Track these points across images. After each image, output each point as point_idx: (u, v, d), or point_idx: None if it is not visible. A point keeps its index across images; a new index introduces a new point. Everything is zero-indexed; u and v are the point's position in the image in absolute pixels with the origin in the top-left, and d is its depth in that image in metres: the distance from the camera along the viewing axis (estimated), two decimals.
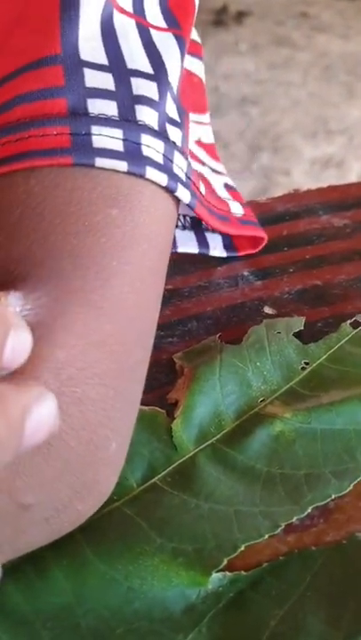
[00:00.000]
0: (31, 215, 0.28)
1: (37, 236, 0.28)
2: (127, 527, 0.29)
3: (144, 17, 0.32)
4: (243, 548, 0.28)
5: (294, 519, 0.29)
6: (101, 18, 0.31)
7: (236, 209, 0.41)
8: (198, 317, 0.40)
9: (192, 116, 0.37)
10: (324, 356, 0.36)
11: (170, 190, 0.31)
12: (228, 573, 0.28)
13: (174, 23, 0.33)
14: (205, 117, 0.43)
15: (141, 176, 0.30)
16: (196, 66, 0.41)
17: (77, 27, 0.30)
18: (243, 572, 0.28)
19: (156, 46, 0.32)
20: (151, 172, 0.30)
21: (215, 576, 0.28)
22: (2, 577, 0.26)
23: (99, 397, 0.26)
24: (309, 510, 0.29)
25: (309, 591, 0.27)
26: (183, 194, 0.32)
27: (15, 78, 0.31)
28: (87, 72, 0.30)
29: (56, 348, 0.26)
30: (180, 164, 0.32)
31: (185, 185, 0.32)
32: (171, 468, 0.32)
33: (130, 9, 0.32)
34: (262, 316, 0.40)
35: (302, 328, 0.37)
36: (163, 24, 0.33)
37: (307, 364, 0.36)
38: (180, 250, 0.40)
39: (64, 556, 0.29)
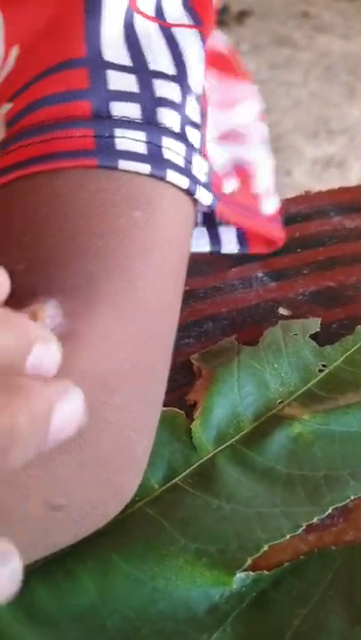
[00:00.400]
0: (56, 216, 0.29)
1: (63, 237, 0.28)
2: (150, 528, 0.30)
3: (164, 19, 0.33)
4: (266, 548, 0.28)
5: (315, 519, 0.29)
6: (125, 19, 0.31)
7: (270, 205, 0.41)
8: (214, 318, 0.40)
9: (236, 91, 0.37)
10: (341, 359, 0.36)
11: (190, 192, 0.32)
12: (250, 573, 0.28)
13: (196, 19, 0.33)
14: (252, 88, 0.42)
15: (162, 179, 0.30)
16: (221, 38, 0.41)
17: (100, 29, 0.31)
18: (265, 572, 0.28)
19: (178, 45, 0.32)
20: (172, 175, 0.31)
21: (238, 576, 0.28)
22: (21, 579, 0.27)
23: (131, 402, 0.27)
24: (330, 511, 0.30)
25: (330, 590, 0.27)
26: (203, 196, 0.32)
27: (40, 81, 0.31)
28: (111, 74, 0.31)
29: (82, 350, 0.26)
30: (199, 166, 0.32)
31: (205, 187, 0.33)
32: (191, 468, 0.32)
33: (151, 13, 0.32)
34: (277, 317, 0.40)
35: (318, 330, 0.38)
36: (185, 21, 0.33)
37: (324, 365, 0.36)
38: (224, 251, 0.40)
39: (89, 557, 0.29)
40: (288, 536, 0.29)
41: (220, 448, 0.33)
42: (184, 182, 0.31)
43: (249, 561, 0.28)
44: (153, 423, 0.29)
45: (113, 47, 0.31)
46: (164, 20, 0.33)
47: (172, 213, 0.31)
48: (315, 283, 0.42)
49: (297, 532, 0.29)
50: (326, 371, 0.36)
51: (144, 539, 0.29)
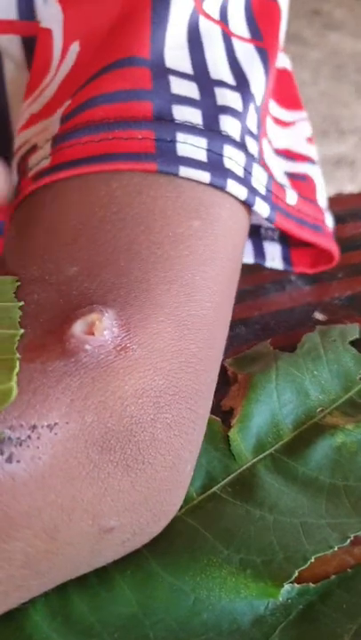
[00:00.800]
0: (113, 220, 0.28)
1: (120, 244, 0.27)
2: (191, 537, 0.29)
3: (227, 24, 0.32)
4: (313, 560, 0.28)
5: None
6: (189, 22, 0.31)
7: (330, 222, 0.40)
8: (246, 322, 0.40)
9: (290, 114, 0.36)
10: None
11: (248, 204, 0.31)
12: (296, 585, 0.28)
13: (257, 34, 0.32)
14: (303, 114, 0.42)
15: (222, 188, 0.29)
16: (282, 59, 0.40)
17: (165, 32, 0.30)
18: (311, 584, 0.28)
19: (237, 58, 0.31)
20: (232, 185, 0.30)
21: (284, 588, 0.27)
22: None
23: (184, 421, 0.26)
24: None
25: None
26: (261, 207, 0.31)
27: (101, 76, 0.30)
28: (172, 79, 0.30)
29: (155, 375, 0.25)
30: (259, 177, 0.31)
31: (264, 198, 0.32)
32: (230, 477, 0.31)
33: (216, 15, 0.31)
34: (313, 321, 0.39)
35: (358, 336, 0.37)
36: (246, 33, 0.32)
37: None
38: (268, 265, 0.39)
39: (128, 567, 0.28)
40: (336, 547, 0.28)
41: (260, 457, 0.32)
42: (243, 193, 0.30)
43: (296, 573, 0.27)
44: (201, 440, 0.28)
45: (176, 53, 0.30)
46: (227, 26, 0.32)
47: (229, 224, 0.30)
48: (350, 287, 0.42)
49: (345, 544, 0.28)
50: None
51: (185, 549, 0.29)
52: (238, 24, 0.32)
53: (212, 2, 0.32)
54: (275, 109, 0.37)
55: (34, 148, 0.31)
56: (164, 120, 0.29)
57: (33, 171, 0.31)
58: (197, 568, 0.28)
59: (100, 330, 0.24)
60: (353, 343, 0.37)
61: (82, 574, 0.28)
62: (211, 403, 0.29)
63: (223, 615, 0.27)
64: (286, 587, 0.28)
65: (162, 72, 0.30)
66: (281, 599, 0.27)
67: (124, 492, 0.24)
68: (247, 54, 0.32)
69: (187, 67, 0.30)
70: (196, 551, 0.28)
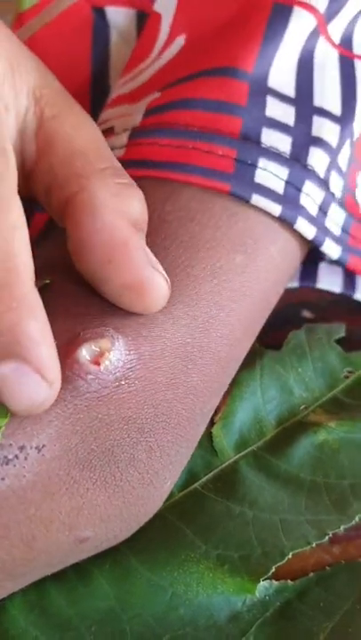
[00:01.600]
0: (158, 247, 0.26)
1: None
2: (170, 533, 0.29)
3: (351, 47, 0.30)
4: (290, 556, 0.28)
5: (341, 528, 0.29)
6: (304, 45, 0.29)
7: None
8: None
9: None
10: None
11: (316, 243, 0.30)
12: (274, 582, 0.28)
13: None
14: None
15: (291, 224, 0.28)
16: None
17: (276, 52, 0.28)
18: (289, 582, 0.28)
19: (355, 81, 0.29)
20: (301, 223, 0.28)
21: (262, 584, 0.27)
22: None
23: (168, 444, 0.26)
24: (357, 519, 0.29)
25: (359, 604, 0.27)
26: (331, 249, 0.30)
27: (197, 79, 0.28)
28: (270, 100, 0.28)
29: (145, 405, 0.24)
30: (334, 217, 0.30)
31: (336, 240, 0.30)
32: (212, 473, 0.31)
33: (337, 39, 0.30)
34: (300, 319, 0.39)
35: (344, 335, 0.37)
36: None
37: (350, 372, 0.35)
38: (320, 286, 0.37)
39: (106, 561, 0.28)
40: (314, 544, 0.28)
41: (242, 454, 0.32)
42: (311, 232, 0.29)
43: (273, 568, 0.27)
44: (186, 460, 0.28)
45: (281, 73, 0.28)
46: (351, 50, 0.30)
47: (277, 261, 0.28)
48: None
49: (323, 541, 0.28)
50: (353, 377, 0.35)
51: (164, 544, 0.29)
52: None
53: (338, 22, 0.30)
54: None
55: (110, 131, 0.30)
56: (251, 141, 0.28)
57: None
58: (175, 563, 0.28)
59: (105, 364, 0.23)
60: (339, 341, 0.37)
61: (60, 569, 0.28)
62: (205, 427, 0.29)
63: (200, 611, 0.27)
64: (264, 583, 0.27)
65: (261, 90, 0.28)
66: (258, 596, 0.27)
67: (101, 506, 0.24)
68: None
69: (290, 89, 0.28)
70: (174, 547, 0.28)
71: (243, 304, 0.27)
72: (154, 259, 0.24)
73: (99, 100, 0.35)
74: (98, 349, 0.23)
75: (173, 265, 0.26)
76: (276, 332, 0.38)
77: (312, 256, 0.34)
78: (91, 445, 0.23)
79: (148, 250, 0.24)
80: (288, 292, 0.41)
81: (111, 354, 0.23)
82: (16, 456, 0.22)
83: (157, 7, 0.32)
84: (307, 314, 0.40)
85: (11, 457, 0.22)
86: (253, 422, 0.33)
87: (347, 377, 0.35)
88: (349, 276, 0.36)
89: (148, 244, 0.25)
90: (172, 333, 0.25)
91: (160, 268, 0.24)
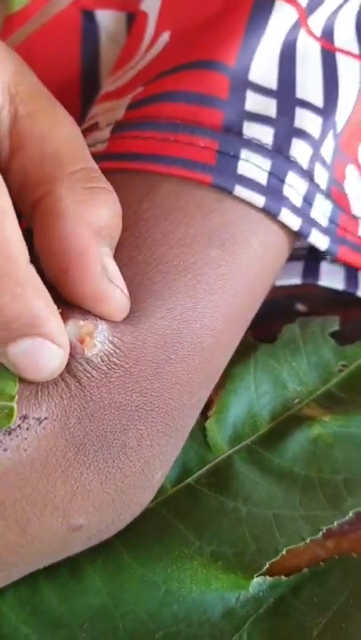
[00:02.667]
0: (130, 247, 0.26)
1: (126, 274, 0.25)
2: (163, 529, 0.29)
3: (332, 40, 0.30)
4: (284, 552, 0.27)
5: (335, 523, 0.29)
6: (286, 38, 0.29)
7: None
8: None
9: None
10: None
11: (302, 234, 0.29)
12: (268, 578, 0.27)
13: None
14: None
15: (275, 216, 0.28)
16: None
17: (257, 45, 0.28)
18: (283, 577, 0.28)
19: (336, 74, 0.29)
20: (285, 214, 0.28)
21: (255, 580, 0.27)
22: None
23: (158, 434, 0.26)
24: (351, 515, 0.29)
25: (352, 599, 0.27)
26: (319, 240, 0.30)
27: (179, 72, 0.28)
28: (250, 94, 0.28)
29: (134, 393, 0.25)
30: (321, 208, 0.30)
31: (324, 230, 0.30)
32: (205, 468, 0.31)
33: (318, 31, 0.30)
34: (294, 312, 0.39)
35: (338, 328, 0.37)
36: (355, 49, 0.30)
37: (344, 365, 0.35)
38: (323, 284, 0.37)
39: (98, 557, 0.28)
40: (308, 540, 0.28)
41: (236, 448, 0.32)
42: (296, 223, 0.29)
43: (267, 565, 0.27)
44: (178, 450, 0.28)
45: (263, 66, 0.28)
46: (332, 43, 0.30)
47: (258, 253, 0.28)
48: None
49: (317, 536, 0.28)
50: (346, 371, 0.35)
51: (157, 540, 0.28)
52: (347, 39, 0.30)
53: (319, 15, 0.30)
54: None
55: (95, 127, 0.30)
56: (232, 133, 0.27)
57: None
58: (169, 559, 0.28)
59: (89, 346, 0.24)
60: (333, 335, 0.37)
61: (52, 565, 0.28)
62: (195, 418, 0.29)
63: (193, 607, 0.27)
64: (258, 579, 0.27)
65: (242, 84, 0.28)
66: (252, 592, 0.27)
67: (94, 492, 0.24)
68: (349, 71, 0.30)
69: (271, 82, 0.29)
70: (167, 543, 0.28)
71: (221, 296, 0.27)
72: (113, 270, 0.24)
73: (90, 100, 0.35)
74: (83, 331, 0.24)
75: (145, 263, 0.26)
76: (270, 326, 0.38)
77: (314, 253, 0.34)
78: (86, 428, 0.24)
79: (108, 261, 0.24)
80: (286, 287, 0.41)
81: (95, 335, 0.24)
82: (19, 426, 0.23)
83: (144, 6, 0.32)
84: (301, 307, 0.39)
85: (14, 427, 0.23)
86: (247, 417, 0.33)
87: (341, 371, 0.35)
88: (352, 274, 0.36)
89: (121, 241, 0.25)
90: (151, 325, 0.25)
91: (119, 282, 0.24)
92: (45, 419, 0.23)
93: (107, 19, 0.34)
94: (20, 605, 0.27)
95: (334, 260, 0.34)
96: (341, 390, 0.34)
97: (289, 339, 0.36)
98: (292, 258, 0.37)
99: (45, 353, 0.22)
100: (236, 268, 0.28)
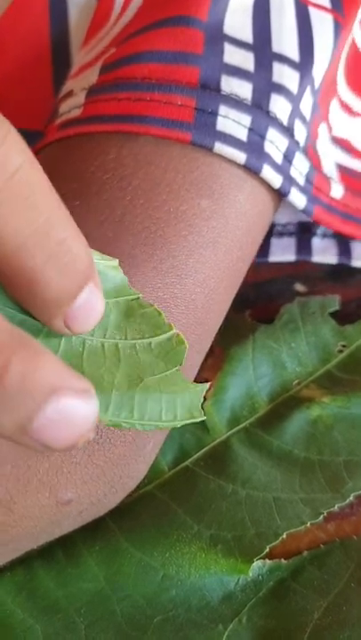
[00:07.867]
0: (113, 188, 0.25)
1: (114, 214, 0.25)
2: (161, 512, 0.28)
3: None
4: (284, 536, 0.27)
5: (336, 507, 0.28)
6: None
7: None
8: None
9: None
10: None
11: (282, 193, 0.29)
12: (267, 561, 0.27)
13: (338, 5, 0.29)
14: None
15: (257, 173, 0.27)
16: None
17: None
18: (283, 561, 0.27)
19: (310, 27, 0.29)
20: (267, 171, 0.28)
21: (255, 564, 0.27)
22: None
23: None
24: (351, 498, 0.28)
25: (353, 582, 0.26)
26: (297, 198, 0.29)
27: (152, 30, 0.28)
28: (227, 47, 0.27)
29: None
30: (299, 166, 0.29)
31: (301, 189, 0.29)
32: (203, 451, 0.31)
33: None
34: (293, 293, 0.38)
35: (338, 308, 0.36)
36: (326, 2, 0.29)
37: (344, 346, 0.35)
38: (316, 259, 0.37)
39: (95, 542, 0.28)
40: (308, 523, 0.27)
41: (234, 430, 0.31)
42: (277, 181, 0.28)
43: (267, 549, 0.27)
44: None
45: (237, 19, 0.28)
46: None
47: (246, 208, 0.28)
48: None
49: (317, 520, 0.28)
50: (346, 351, 0.34)
51: (154, 524, 0.28)
52: None
53: None
54: (345, 94, 0.33)
55: (69, 94, 0.30)
56: (210, 89, 0.27)
57: (62, 118, 0.29)
58: (167, 544, 0.27)
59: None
60: (333, 315, 0.36)
61: (49, 550, 0.27)
62: None
63: (192, 591, 0.26)
64: (257, 563, 0.27)
65: (217, 37, 0.27)
66: (252, 575, 0.27)
67: (81, 465, 0.24)
68: (322, 25, 0.29)
69: (247, 35, 0.28)
70: (165, 526, 0.28)
71: (213, 251, 0.27)
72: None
73: (61, 74, 0.34)
74: None
75: (131, 207, 0.25)
76: (269, 306, 0.37)
77: (303, 228, 0.33)
78: None
79: None
80: (280, 264, 0.40)
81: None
82: None
83: None
84: (299, 287, 0.39)
85: None
86: (245, 398, 0.32)
87: (341, 351, 0.34)
88: (344, 244, 0.35)
89: (101, 184, 0.24)
90: (142, 276, 0.25)
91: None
92: None
93: None
94: (16, 590, 0.27)
95: (325, 236, 0.34)
96: (341, 371, 0.33)
97: (288, 319, 0.35)
98: (284, 234, 0.37)
99: (99, 298, 0.20)
100: (226, 222, 0.27)
